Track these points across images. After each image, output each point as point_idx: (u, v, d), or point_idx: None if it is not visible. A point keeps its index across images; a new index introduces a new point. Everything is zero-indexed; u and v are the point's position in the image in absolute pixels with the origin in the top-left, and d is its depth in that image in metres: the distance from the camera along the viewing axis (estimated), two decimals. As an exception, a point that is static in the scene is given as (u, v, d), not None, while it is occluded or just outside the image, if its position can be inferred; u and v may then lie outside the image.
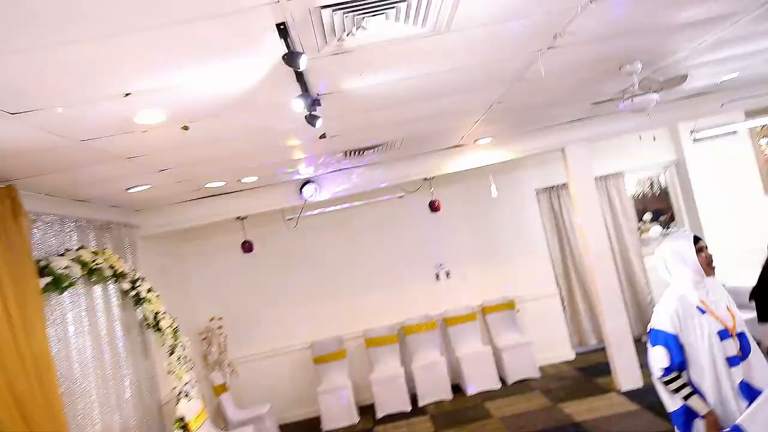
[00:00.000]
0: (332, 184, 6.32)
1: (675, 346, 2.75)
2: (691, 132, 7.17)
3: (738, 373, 2.71)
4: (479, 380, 7.34)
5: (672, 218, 8.56)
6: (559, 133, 6.36)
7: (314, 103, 3.05)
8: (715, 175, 7.79)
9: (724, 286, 2.98)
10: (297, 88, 2.86)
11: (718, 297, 2.85)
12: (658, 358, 2.76)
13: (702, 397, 2.73)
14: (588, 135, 6.37)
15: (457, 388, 7.47)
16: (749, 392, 2.71)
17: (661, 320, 2.79)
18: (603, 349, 7.82)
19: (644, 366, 6.51)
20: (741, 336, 2.78)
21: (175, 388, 4.68)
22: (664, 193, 8.60)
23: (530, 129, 6.26)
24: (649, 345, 2.82)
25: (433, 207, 7.07)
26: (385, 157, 6.08)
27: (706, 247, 2.89)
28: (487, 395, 7.11)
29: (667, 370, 2.76)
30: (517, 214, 8.05)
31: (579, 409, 5.99)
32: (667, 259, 2.90)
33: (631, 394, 6.08)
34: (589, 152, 6.43)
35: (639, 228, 8.44)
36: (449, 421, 6.50)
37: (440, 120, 4.82)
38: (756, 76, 5.92)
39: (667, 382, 2.77)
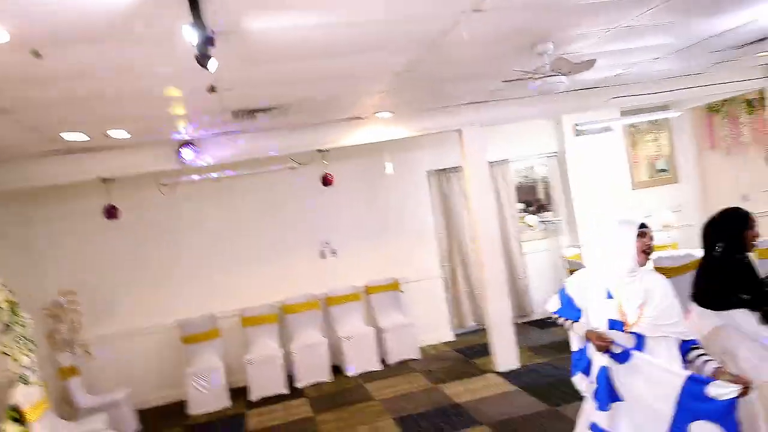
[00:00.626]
0: (217, 148, 5.74)
1: (567, 304, 2.99)
2: (576, 125, 7.45)
3: (605, 362, 2.74)
4: (360, 361, 7.17)
5: (542, 208, 8.94)
6: (458, 115, 6.28)
7: (208, 41, 2.58)
8: (591, 168, 8.19)
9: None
10: (188, 16, 2.37)
11: (639, 291, 2.76)
12: (551, 302, 3.12)
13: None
14: (485, 119, 6.35)
15: (337, 370, 7.24)
16: (609, 390, 2.74)
17: (571, 281, 3.05)
18: (481, 331, 8.01)
19: (522, 347, 6.74)
20: (638, 338, 2.72)
21: (8, 370, 3.93)
22: (536, 184, 8.96)
23: (431, 107, 6.11)
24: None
25: (326, 181, 6.72)
26: (278, 124, 5.62)
27: (648, 236, 2.79)
28: (368, 376, 6.96)
29: (555, 312, 3.09)
30: (407, 195, 7.95)
31: (459, 390, 6.01)
32: (607, 240, 2.86)
33: (509, 375, 6.21)
34: (484, 136, 6.42)
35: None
36: (329, 403, 6.26)
37: (342, 84, 4.48)
38: (641, 76, 6.22)
39: (555, 319, 3.11)
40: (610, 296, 2.76)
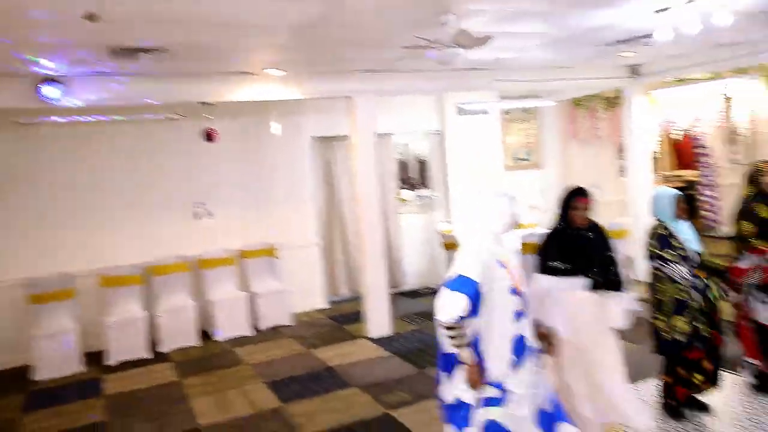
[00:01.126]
0: (87, 89, 5.20)
1: (476, 295, 2.68)
2: (460, 104, 7.73)
3: (521, 326, 2.83)
4: (231, 326, 6.98)
5: (417, 185, 9.25)
6: (351, 81, 6.24)
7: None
8: (468, 148, 8.58)
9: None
10: None
11: (512, 255, 2.95)
12: (456, 305, 2.62)
13: (475, 351, 2.75)
14: (377, 88, 6.39)
15: (207, 335, 6.99)
16: (521, 346, 2.84)
17: (469, 267, 2.71)
18: (354, 300, 8.15)
19: (396, 315, 6.95)
20: (522, 295, 2.89)
21: None
22: (411, 161, 9.24)
23: (324, 70, 6.01)
24: (446, 289, 2.70)
25: (209, 136, 6.36)
26: (160, 69, 5.20)
27: (516, 210, 2.93)
28: (239, 342, 6.80)
29: (460, 319, 2.64)
30: (290, 160, 7.80)
31: (331, 355, 6.08)
32: (481, 211, 2.87)
33: (381, 341, 6.39)
34: (374, 105, 6.46)
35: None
36: (196, 368, 6.03)
37: (234, 30, 4.24)
38: (522, 63, 6.59)
39: (449, 328, 2.67)
40: (502, 265, 2.81)
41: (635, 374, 4.80)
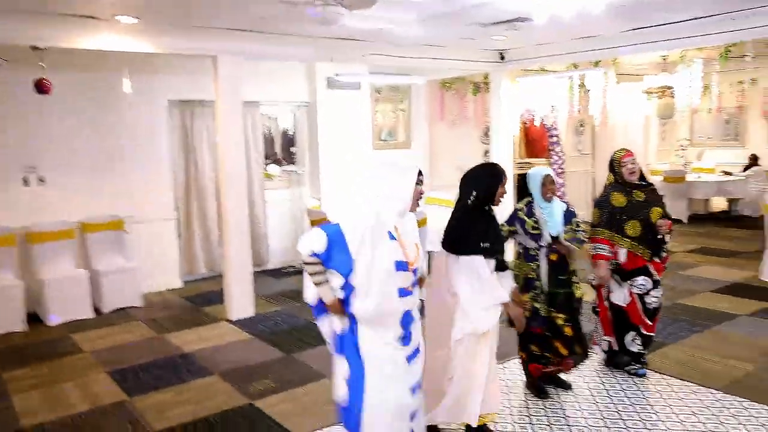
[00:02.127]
0: None
1: (339, 245, 2.60)
2: (335, 75, 7.39)
3: (406, 302, 2.75)
4: (67, 309, 6.13)
5: (283, 159, 8.84)
6: (217, 39, 5.63)
7: None
8: (338, 123, 8.31)
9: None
10: None
11: (411, 231, 2.83)
12: (315, 240, 2.61)
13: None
14: (245, 49, 5.85)
15: (38, 319, 6.07)
16: (407, 319, 2.78)
17: (347, 223, 2.64)
18: (212, 278, 7.63)
19: (257, 296, 6.55)
20: (415, 272, 2.81)
21: None
22: (278, 134, 8.83)
23: (186, 24, 5.36)
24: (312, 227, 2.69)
25: (41, 88, 5.42)
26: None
27: (421, 184, 2.81)
28: (77, 326, 5.99)
29: (315, 255, 2.62)
30: (143, 124, 6.99)
31: (188, 339, 5.55)
32: (382, 183, 2.74)
33: (243, 323, 5.97)
34: (241, 68, 5.93)
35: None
36: (20, 358, 5.18)
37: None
38: (397, 38, 6.42)
39: (308, 264, 2.65)
40: (392, 237, 2.69)
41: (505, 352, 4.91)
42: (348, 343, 2.70)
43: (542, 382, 4.10)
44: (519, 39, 6.86)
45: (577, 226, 3.93)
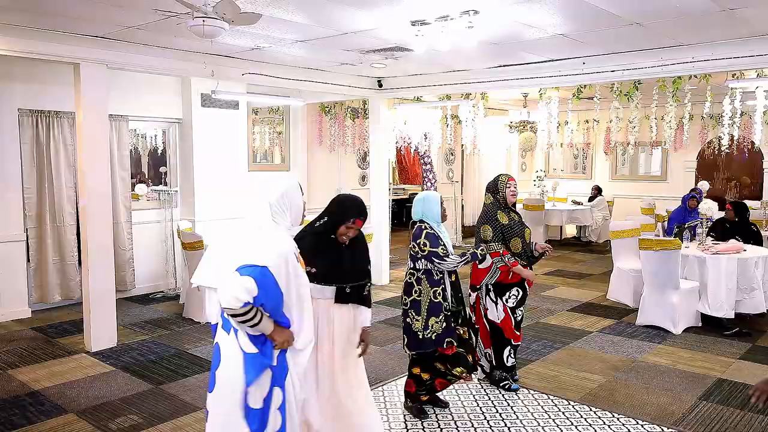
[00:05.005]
0: None
1: (271, 285, 2.38)
2: (212, 92, 7.13)
3: None
4: None
5: (153, 178, 8.39)
6: (80, 45, 5.21)
7: None
8: (213, 142, 8.01)
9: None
10: None
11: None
12: (245, 288, 2.29)
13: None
14: (111, 59, 5.46)
15: None
16: None
17: (266, 257, 2.39)
18: (69, 307, 6.97)
19: (121, 325, 6.06)
20: None
21: None
22: (146, 151, 8.40)
23: (47, 26, 4.89)
24: (236, 273, 2.33)
25: None
26: None
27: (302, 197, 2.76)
28: None
29: (246, 303, 2.31)
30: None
31: (38, 376, 4.97)
32: (279, 202, 2.59)
33: (104, 355, 5.48)
34: (107, 79, 5.54)
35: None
36: None
37: None
38: (277, 58, 6.37)
39: (238, 314, 2.34)
40: (298, 260, 2.60)
41: (379, 377, 4.93)
42: (279, 375, 2.54)
43: (420, 403, 4.17)
44: (397, 68, 7.11)
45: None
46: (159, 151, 8.33)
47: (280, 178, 2.78)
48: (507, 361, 4.58)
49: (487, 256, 4.34)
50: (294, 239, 2.81)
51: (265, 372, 2.47)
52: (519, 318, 4.58)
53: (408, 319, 3.95)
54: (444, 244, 3.90)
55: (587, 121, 12.55)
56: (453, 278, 4.04)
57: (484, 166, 12.65)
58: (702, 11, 4.42)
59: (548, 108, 8.89)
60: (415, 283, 3.94)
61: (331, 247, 3.12)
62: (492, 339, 4.57)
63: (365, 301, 3.23)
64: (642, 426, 4.01)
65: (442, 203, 4.02)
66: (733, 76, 6.60)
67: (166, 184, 8.05)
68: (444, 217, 4.02)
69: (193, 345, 5.76)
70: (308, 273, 2.80)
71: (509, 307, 4.50)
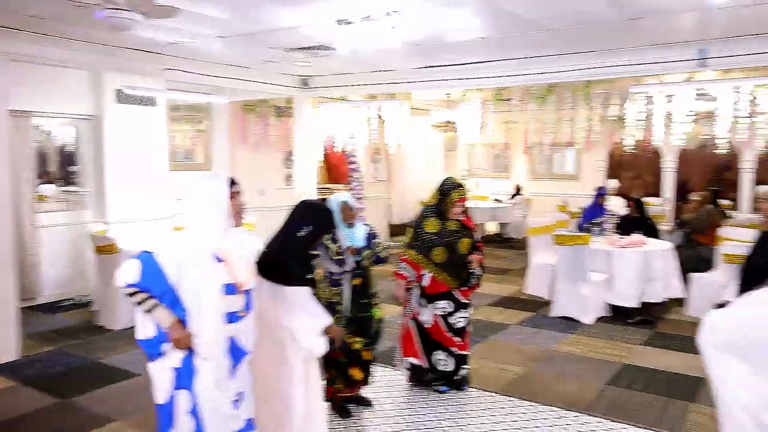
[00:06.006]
0: None
1: (156, 275, 2.46)
2: (122, 89, 6.77)
3: (232, 330, 2.61)
4: None
5: (61, 178, 7.91)
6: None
7: None
8: (130, 140, 7.63)
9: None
10: None
11: (241, 250, 2.69)
12: (129, 270, 2.47)
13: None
14: (14, 50, 5.08)
15: None
16: (235, 350, 2.64)
17: (161, 247, 2.49)
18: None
19: (24, 335, 5.67)
20: (248, 293, 2.68)
21: None
22: (53, 150, 7.92)
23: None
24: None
25: None
26: None
27: (240, 195, 2.69)
28: None
29: (131, 285, 2.47)
30: None
31: (-75, 395, 4.56)
32: (195, 198, 2.56)
33: (4, 369, 5.09)
34: (7, 73, 5.15)
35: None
36: None
37: None
38: (198, 53, 6.17)
39: (131, 294, 2.49)
40: (219, 260, 2.55)
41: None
42: (185, 377, 2.51)
43: (344, 401, 4.16)
44: (321, 67, 7.06)
45: (378, 246, 4.11)
46: (69, 149, 7.84)
47: (204, 177, 2.70)
48: (438, 365, 4.45)
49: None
50: (280, 249, 2.97)
51: (160, 367, 2.53)
52: (459, 325, 4.42)
53: None
54: (338, 249, 3.89)
55: (506, 122, 12.97)
56: (359, 281, 3.98)
57: (410, 165, 12.81)
58: (607, 20, 4.68)
59: (469, 109, 9.11)
60: (319, 283, 3.96)
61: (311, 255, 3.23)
62: (422, 342, 4.45)
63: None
64: (557, 412, 4.20)
65: (346, 206, 3.98)
66: (638, 82, 7.04)
67: (76, 185, 7.59)
68: (348, 218, 3.97)
69: (105, 354, 5.45)
70: (310, 280, 3.02)
71: (440, 315, 4.39)
